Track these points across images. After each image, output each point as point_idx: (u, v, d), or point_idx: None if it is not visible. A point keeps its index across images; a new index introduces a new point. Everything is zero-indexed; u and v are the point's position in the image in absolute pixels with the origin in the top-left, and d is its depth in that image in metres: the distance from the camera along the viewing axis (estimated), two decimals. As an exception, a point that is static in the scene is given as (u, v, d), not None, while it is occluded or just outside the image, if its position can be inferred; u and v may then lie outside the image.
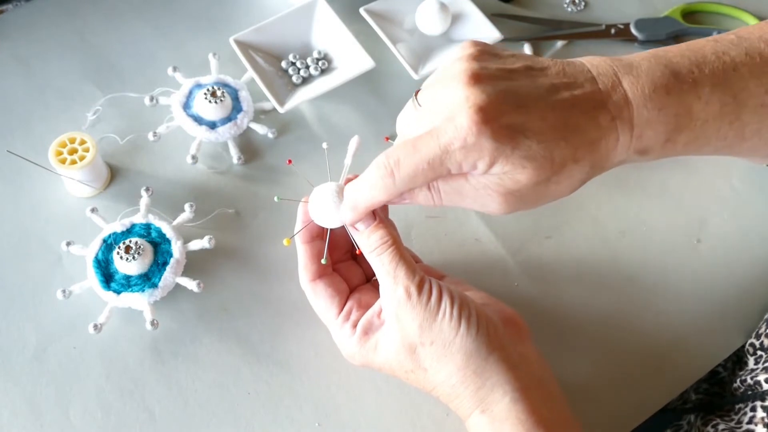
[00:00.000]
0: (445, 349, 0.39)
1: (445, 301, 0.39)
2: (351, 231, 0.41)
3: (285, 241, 0.40)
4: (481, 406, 0.39)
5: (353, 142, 0.44)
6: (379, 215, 0.41)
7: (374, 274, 0.43)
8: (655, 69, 0.38)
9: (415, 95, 0.38)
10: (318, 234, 0.43)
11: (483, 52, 0.37)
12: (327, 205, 0.41)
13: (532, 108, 0.35)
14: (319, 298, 0.43)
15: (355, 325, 0.42)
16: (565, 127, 0.36)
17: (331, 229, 0.42)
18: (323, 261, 0.42)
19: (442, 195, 0.38)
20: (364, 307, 0.43)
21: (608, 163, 0.38)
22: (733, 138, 0.39)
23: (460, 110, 0.34)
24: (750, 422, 0.47)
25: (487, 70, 0.36)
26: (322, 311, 0.44)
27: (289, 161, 0.44)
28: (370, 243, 0.40)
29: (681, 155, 0.40)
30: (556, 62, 0.38)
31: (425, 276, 0.40)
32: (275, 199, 0.43)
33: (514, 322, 0.42)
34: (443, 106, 0.35)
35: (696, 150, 0.39)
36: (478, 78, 0.35)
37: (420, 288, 0.39)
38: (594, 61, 0.38)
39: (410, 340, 0.39)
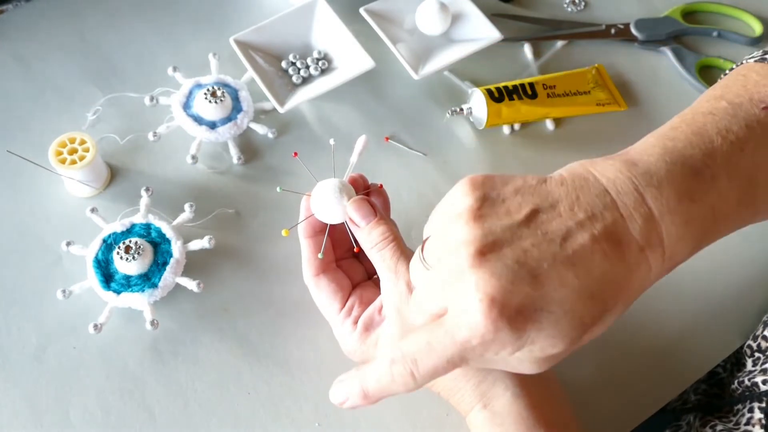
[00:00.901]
0: None
1: None
2: (351, 228, 0.41)
3: (284, 232, 0.40)
4: (482, 401, 0.39)
5: (361, 141, 0.44)
6: (381, 212, 0.41)
7: (376, 272, 0.43)
8: (674, 172, 0.34)
9: (422, 249, 0.36)
10: (321, 229, 0.43)
11: (484, 200, 0.33)
12: (329, 201, 0.41)
13: (549, 276, 0.31)
14: (322, 293, 0.43)
15: (356, 322, 0.42)
16: (589, 283, 0.31)
17: (333, 226, 0.42)
18: (320, 255, 0.42)
19: (417, 376, 0.34)
20: (366, 304, 0.43)
21: (641, 291, 0.34)
22: (749, 218, 0.37)
23: (472, 301, 0.31)
24: (748, 423, 0.47)
25: (493, 235, 0.32)
26: (324, 306, 0.44)
27: (295, 154, 0.44)
28: (371, 239, 0.40)
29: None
30: (568, 190, 0.33)
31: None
32: (278, 189, 0.43)
33: None
34: (451, 281, 0.32)
35: (714, 240, 0.37)
36: (483, 254, 0.31)
37: None
38: (609, 174, 0.34)
39: None
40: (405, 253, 0.40)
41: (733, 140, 0.35)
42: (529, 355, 0.32)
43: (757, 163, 0.36)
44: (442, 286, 0.33)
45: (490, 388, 0.39)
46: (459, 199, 0.34)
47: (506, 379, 0.39)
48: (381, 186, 0.44)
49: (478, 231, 0.32)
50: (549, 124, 0.60)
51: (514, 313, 0.30)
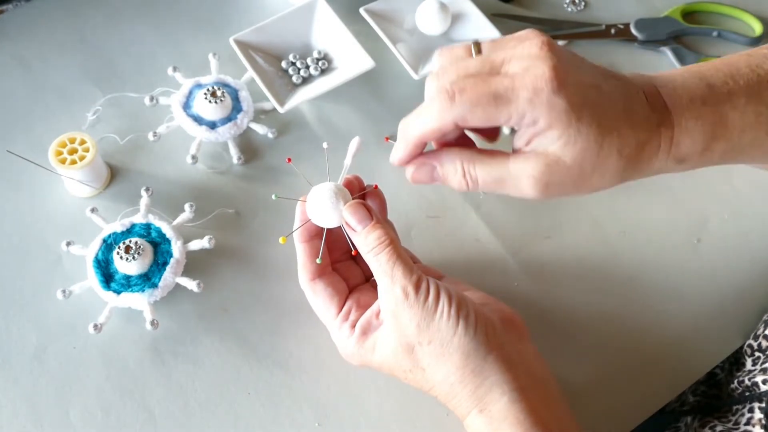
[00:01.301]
0: (443, 349, 0.39)
1: (443, 301, 0.39)
2: (348, 231, 0.41)
3: (281, 239, 0.40)
4: (479, 405, 0.39)
5: (354, 143, 0.44)
6: (377, 215, 0.41)
7: (373, 274, 0.43)
8: (690, 81, 0.38)
9: (474, 45, 0.39)
10: (317, 233, 0.43)
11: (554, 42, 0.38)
12: (325, 205, 0.41)
13: (601, 83, 0.36)
14: (318, 297, 0.43)
15: (353, 326, 0.42)
16: (624, 119, 0.36)
17: (329, 229, 0.42)
18: (318, 261, 0.42)
19: (479, 182, 0.38)
20: (363, 307, 0.43)
21: (646, 169, 0.38)
22: None
23: (539, 63, 0.35)
24: (748, 423, 0.47)
25: (558, 45, 0.37)
26: (321, 311, 0.44)
27: (289, 160, 0.44)
28: (367, 243, 0.40)
29: (717, 164, 0.40)
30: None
31: (423, 275, 0.40)
32: (273, 197, 0.43)
33: (512, 321, 0.42)
34: (517, 56, 0.36)
35: (733, 159, 0.40)
36: (552, 46, 0.36)
37: (417, 287, 0.39)
38: (636, 79, 0.39)
39: (408, 340, 0.39)
40: (401, 256, 0.40)
41: (762, 74, 0.39)
42: (541, 168, 0.36)
43: None
44: (504, 55, 0.37)
45: (487, 392, 0.39)
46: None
47: (503, 384, 0.39)
48: (376, 187, 0.44)
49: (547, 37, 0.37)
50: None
51: (573, 89, 0.35)
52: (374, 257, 0.40)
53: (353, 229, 0.40)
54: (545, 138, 0.36)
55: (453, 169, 0.39)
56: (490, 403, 0.39)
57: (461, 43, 0.40)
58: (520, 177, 0.37)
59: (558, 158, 0.36)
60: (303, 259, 0.43)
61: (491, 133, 0.42)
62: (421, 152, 0.40)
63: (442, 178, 0.39)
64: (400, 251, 0.40)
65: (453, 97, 0.36)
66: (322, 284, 0.43)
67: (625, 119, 0.36)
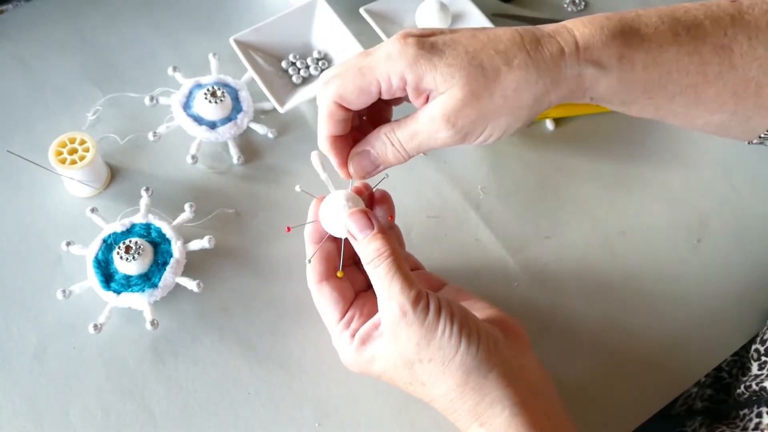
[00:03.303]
0: (444, 367, 0.38)
1: (444, 318, 0.38)
2: (350, 240, 0.40)
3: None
4: (479, 420, 0.38)
5: (314, 158, 0.43)
6: (379, 224, 0.40)
7: None
8: (600, 15, 0.40)
9: None
10: (329, 236, 0.43)
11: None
12: (333, 213, 0.40)
13: (462, 31, 0.39)
14: (324, 300, 0.43)
15: (353, 335, 0.42)
16: (496, 40, 0.38)
17: (339, 237, 0.41)
18: (308, 261, 0.42)
19: (404, 145, 0.40)
20: (366, 316, 0.42)
21: (561, 76, 0.38)
22: (695, 75, 0.39)
23: (392, 38, 0.38)
24: (756, 428, 0.47)
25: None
26: (324, 314, 0.43)
27: (288, 229, 0.42)
28: (367, 253, 0.39)
29: (649, 93, 0.40)
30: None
31: (422, 290, 0.39)
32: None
33: (514, 333, 0.42)
34: (381, 47, 0.39)
35: (660, 82, 0.39)
36: (408, 31, 0.39)
37: (416, 304, 0.38)
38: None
39: (408, 357, 0.39)
40: (401, 269, 0.39)
41: (679, 8, 0.40)
42: (439, 106, 0.37)
43: (703, 26, 0.39)
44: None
45: (487, 408, 0.38)
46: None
47: (504, 400, 0.38)
48: (383, 193, 0.44)
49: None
50: (549, 124, 0.60)
51: (420, 40, 0.37)
52: (373, 269, 0.39)
53: (354, 237, 0.40)
54: (426, 84, 0.38)
55: (382, 144, 0.41)
56: (491, 418, 0.38)
57: None
58: (429, 123, 0.39)
59: (449, 94, 0.37)
60: (313, 261, 0.43)
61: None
62: (347, 146, 0.42)
63: (381, 158, 0.41)
64: (400, 264, 0.39)
65: (327, 83, 0.39)
66: (329, 288, 0.43)
67: (499, 41, 0.38)
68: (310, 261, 0.42)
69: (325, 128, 0.41)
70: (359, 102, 0.39)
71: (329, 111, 0.40)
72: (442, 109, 0.38)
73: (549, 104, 0.39)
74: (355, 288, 0.44)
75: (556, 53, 0.38)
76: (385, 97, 0.39)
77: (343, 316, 0.43)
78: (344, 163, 0.42)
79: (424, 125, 0.39)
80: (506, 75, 0.37)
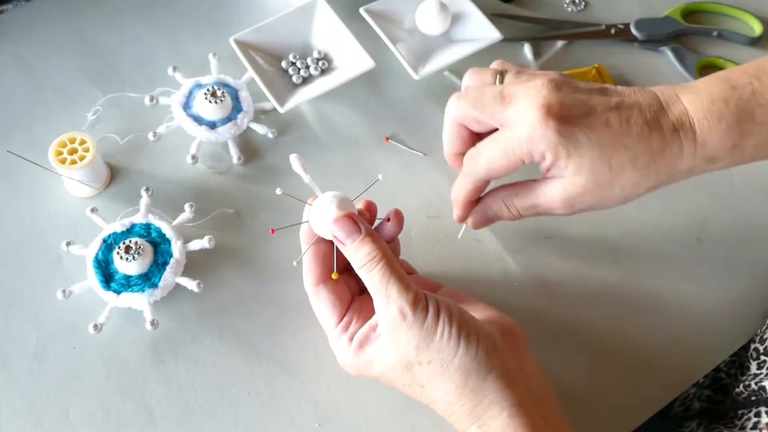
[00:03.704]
0: (443, 369, 0.38)
1: (443, 320, 0.38)
2: (338, 246, 0.40)
3: (295, 262, 0.42)
4: (477, 422, 0.38)
5: (294, 162, 0.43)
6: (367, 229, 0.40)
7: None
8: (713, 85, 0.42)
9: (499, 75, 0.45)
10: (325, 239, 0.42)
11: (564, 79, 0.43)
12: (321, 215, 0.40)
13: (598, 114, 0.41)
14: (321, 303, 0.43)
15: (351, 338, 0.41)
16: (627, 133, 0.40)
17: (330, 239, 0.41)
18: (294, 263, 0.41)
19: (521, 212, 0.46)
20: (363, 318, 0.42)
21: (676, 172, 0.42)
22: None
23: (532, 106, 0.40)
24: (754, 428, 0.47)
25: (566, 83, 0.42)
26: (322, 317, 0.43)
27: (273, 231, 0.43)
28: (357, 258, 0.39)
29: (755, 161, 0.42)
30: (625, 87, 0.43)
31: (420, 292, 0.38)
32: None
33: (513, 333, 0.42)
34: (520, 96, 0.41)
35: (766, 154, 0.42)
36: (552, 83, 0.41)
37: (414, 306, 0.38)
38: (656, 87, 0.43)
39: (407, 359, 0.39)
40: (396, 272, 0.38)
41: None
42: (561, 190, 0.42)
43: None
44: (513, 95, 0.42)
45: (486, 411, 0.38)
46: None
47: (502, 401, 0.38)
48: (396, 212, 0.44)
49: (556, 77, 0.43)
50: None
51: (561, 122, 0.40)
52: (366, 274, 0.39)
53: (342, 243, 0.40)
54: (557, 168, 0.41)
55: (498, 207, 0.47)
56: (490, 419, 0.38)
57: (492, 65, 0.47)
58: (548, 200, 0.43)
59: (573, 181, 0.41)
60: (308, 263, 0.43)
61: None
62: (472, 204, 0.48)
63: (496, 218, 0.48)
64: (394, 266, 0.39)
65: (475, 161, 0.44)
66: (326, 291, 0.42)
67: (629, 134, 0.40)
68: (297, 263, 0.42)
69: (468, 190, 0.47)
70: (505, 175, 0.44)
71: (479, 184, 0.46)
72: (563, 193, 0.42)
73: (654, 189, 0.43)
74: (351, 290, 0.44)
75: (676, 154, 0.41)
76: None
77: (341, 319, 0.42)
78: (465, 216, 0.49)
79: (544, 201, 0.44)
80: (629, 173, 0.41)
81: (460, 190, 0.47)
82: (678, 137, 0.40)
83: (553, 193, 0.43)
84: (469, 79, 0.47)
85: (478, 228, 0.49)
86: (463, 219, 0.49)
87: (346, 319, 0.42)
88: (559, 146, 0.40)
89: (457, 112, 0.45)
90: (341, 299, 0.43)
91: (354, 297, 0.44)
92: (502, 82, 0.45)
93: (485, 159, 0.43)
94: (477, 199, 0.48)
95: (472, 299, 0.45)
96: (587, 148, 0.40)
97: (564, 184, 0.42)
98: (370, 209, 0.44)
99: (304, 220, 0.43)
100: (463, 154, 0.46)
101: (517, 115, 0.41)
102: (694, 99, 0.41)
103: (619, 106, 0.41)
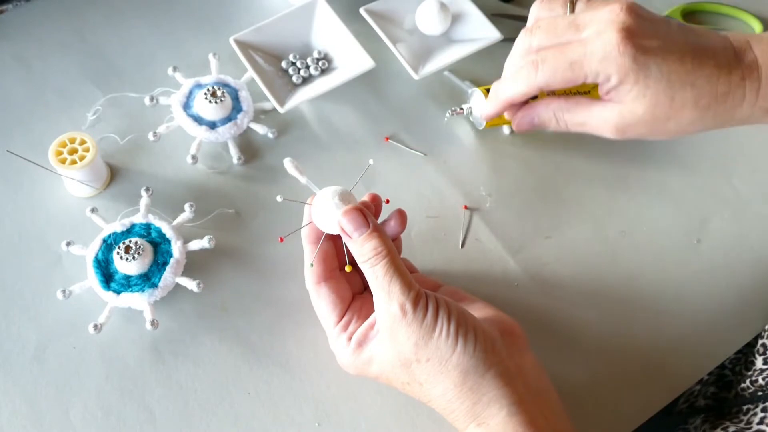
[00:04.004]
0: (441, 366, 0.38)
1: (442, 318, 0.38)
2: (344, 239, 0.40)
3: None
4: (477, 420, 0.38)
5: (289, 164, 0.43)
6: (374, 222, 0.40)
7: None
8: None
9: (570, 3, 0.44)
10: (327, 236, 0.42)
11: (642, 7, 0.42)
12: (326, 209, 0.40)
13: (673, 45, 0.40)
14: (322, 301, 0.43)
15: (350, 337, 0.41)
16: (698, 72, 0.40)
17: (336, 234, 0.41)
18: (310, 265, 0.42)
19: (569, 126, 0.45)
20: (363, 318, 0.42)
21: (731, 118, 0.42)
22: None
23: (610, 27, 0.40)
24: (761, 423, 0.47)
25: (645, 10, 0.42)
26: (322, 316, 0.43)
27: (281, 239, 0.43)
28: (362, 252, 0.39)
29: None
30: (701, 27, 0.43)
31: (421, 290, 0.39)
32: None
33: (512, 332, 0.42)
34: (596, 20, 0.41)
35: None
36: (630, 8, 0.41)
37: (416, 304, 0.38)
38: (729, 33, 0.43)
39: (406, 356, 0.39)
40: (399, 269, 0.38)
41: None
42: (617, 116, 0.42)
43: None
44: (587, 17, 0.42)
45: (485, 408, 0.38)
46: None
47: (501, 399, 0.38)
48: (387, 201, 0.44)
49: (631, 2, 0.41)
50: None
51: (638, 46, 0.39)
52: (370, 268, 0.39)
53: (349, 236, 0.40)
54: (619, 92, 0.41)
55: (548, 117, 0.46)
56: (489, 417, 0.38)
57: None
58: (600, 122, 0.43)
59: (631, 108, 0.41)
60: (308, 260, 0.43)
61: None
62: (510, 108, 0.47)
63: (540, 125, 0.47)
64: (398, 263, 0.39)
65: (537, 67, 0.42)
66: (327, 289, 0.43)
67: (700, 73, 0.40)
68: (312, 265, 0.42)
69: (517, 94, 0.44)
70: (561, 87, 0.43)
71: (532, 92, 0.44)
72: (619, 119, 0.42)
73: (706, 130, 0.43)
74: (353, 288, 0.44)
75: (738, 101, 0.41)
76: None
77: (341, 318, 0.42)
78: (495, 115, 0.48)
79: (595, 121, 0.43)
80: (689, 111, 0.41)
81: (507, 90, 0.45)
82: (743, 85, 0.41)
83: (607, 116, 0.43)
84: (539, 10, 0.46)
85: (521, 131, 0.48)
86: (492, 117, 0.48)
87: (345, 318, 0.42)
88: (630, 72, 0.40)
89: (528, 46, 0.43)
90: (342, 298, 0.43)
91: (355, 296, 0.44)
92: (573, 11, 0.44)
93: (551, 66, 0.42)
94: (516, 106, 0.47)
95: (472, 297, 0.45)
96: (656, 79, 0.40)
97: (621, 110, 0.42)
98: (375, 201, 0.44)
99: (306, 221, 0.43)
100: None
101: (594, 33, 0.40)
102: (765, 50, 0.41)
103: (695, 44, 0.41)
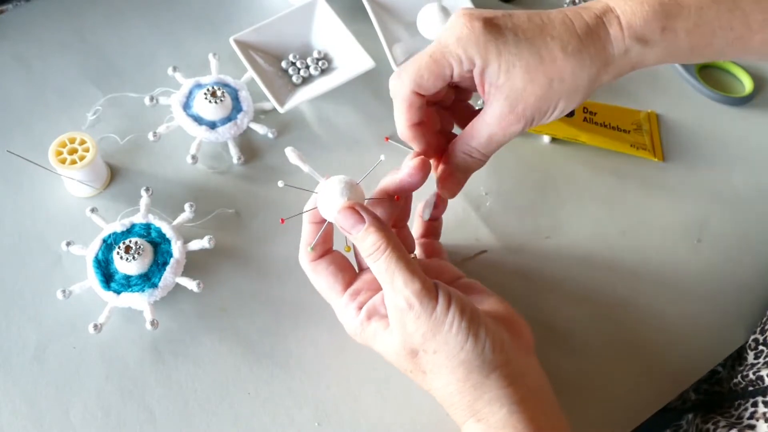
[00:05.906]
0: (448, 360, 0.38)
1: (453, 312, 0.38)
2: (345, 235, 0.40)
3: (281, 220, 0.40)
4: (476, 416, 0.38)
5: (291, 153, 0.43)
6: (371, 216, 0.39)
7: None
8: None
9: None
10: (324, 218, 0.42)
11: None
12: (329, 199, 0.40)
13: (515, 14, 0.41)
14: (321, 276, 0.42)
15: (360, 307, 0.41)
16: (551, 24, 0.40)
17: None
18: (309, 248, 0.42)
19: (484, 152, 0.43)
20: (374, 290, 0.42)
21: (612, 57, 0.40)
22: (740, 28, 0.40)
23: (458, 17, 0.40)
24: (751, 417, 0.47)
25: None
26: (324, 290, 0.43)
27: (282, 220, 0.42)
28: (363, 248, 0.39)
29: (696, 52, 0.41)
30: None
31: (430, 282, 0.38)
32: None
33: (521, 333, 0.42)
34: (447, 29, 0.41)
35: (705, 42, 0.41)
36: (467, 9, 0.41)
37: (422, 296, 0.37)
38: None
39: (412, 346, 0.39)
40: (402, 259, 0.38)
41: None
42: (504, 96, 0.40)
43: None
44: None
45: (485, 406, 0.38)
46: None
47: (502, 398, 0.38)
48: (398, 198, 0.43)
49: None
50: (545, 139, 0.59)
51: (485, 21, 0.39)
52: (373, 263, 0.39)
53: (348, 233, 0.40)
54: (490, 75, 0.40)
55: (463, 161, 0.44)
56: (489, 415, 0.38)
57: None
58: (498, 121, 0.41)
59: (511, 86, 0.40)
60: (306, 239, 0.42)
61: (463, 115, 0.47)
62: (421, 129, 0.44)
63: (467, 174, 0.45)
64: (400, 255, 0.38)
65: (399, 74, 0.41)
66: (324, 263, 0.42)
67: (553, 25, 0.40)
68: (312, 248, 0.42)
69: (404, 119, 0.43)
70: (435, 88, 0.41)
71: (408, 101, 0.42)
72: (508, 103, 0.40)
73: (600, 84, 0.41)
74: (360, 264, 0.44)
75: (604, 36, 0.40)
76: (455, 79, 0.41)
77: (347, 286, 0.42)
78: (427, 152, 0.44)
79: (496, 126, 0.41)
80: (562, 62, 0.39)
81: (399, 119, 0.43)
82: (602, 22, 0.40)
83: (500, 111, 0.41)
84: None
85: (456, 194, 0.46)
86: (427, 153, 0.44)
87: (355, 287, 0.42)
88: (488, 44, 0.39)
89: (410, 82, 0.42)
90: (342, 267, 0.43)
91: (363, 270, 0.44)
92: None
93: (413, 65, 0.41)
94: (428, 127, 0.45)
95: (488, 291, 0.44)
96: (515, 44, 0.39)
97: (507, 95, 0.40)
98: (400, 197, 0.44)
99: (311, 206, 0.42)
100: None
101: (444, 30, 0.41)
102: None
103: (535, 9, 0.42)
